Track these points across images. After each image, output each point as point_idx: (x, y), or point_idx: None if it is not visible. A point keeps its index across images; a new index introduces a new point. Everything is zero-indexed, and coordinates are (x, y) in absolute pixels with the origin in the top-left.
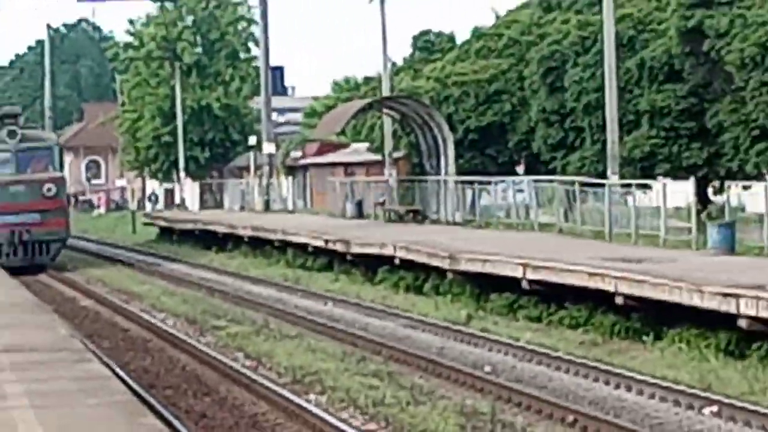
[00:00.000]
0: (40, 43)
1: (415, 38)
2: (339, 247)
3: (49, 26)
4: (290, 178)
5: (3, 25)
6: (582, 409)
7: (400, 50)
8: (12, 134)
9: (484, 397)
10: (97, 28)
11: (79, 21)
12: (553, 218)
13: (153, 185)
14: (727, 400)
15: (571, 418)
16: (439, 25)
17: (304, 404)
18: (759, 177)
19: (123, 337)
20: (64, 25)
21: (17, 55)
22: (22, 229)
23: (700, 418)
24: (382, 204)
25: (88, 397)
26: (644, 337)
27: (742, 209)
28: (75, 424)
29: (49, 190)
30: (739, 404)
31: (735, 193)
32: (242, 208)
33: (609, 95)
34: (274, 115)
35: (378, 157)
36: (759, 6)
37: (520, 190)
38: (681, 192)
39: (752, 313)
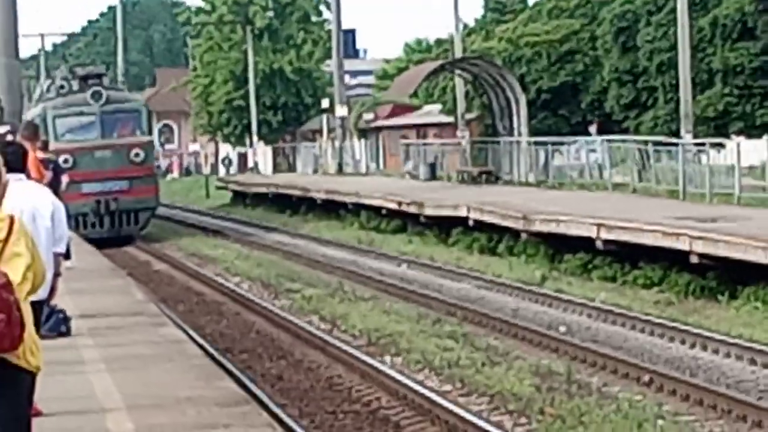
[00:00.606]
0: (112, 9)
1: (487, 0)
2: (412, 209)
3: None
4: (363, 140)
5: None
6: (658, 368)
7: (472, 11)
8: (97, 96)
9: (559, 358)
10: None
11: None
12: (626, 178)
13: (226, 149)
14: None
15: (647, 377)
16: None
17: (380, 366)
18: None
19: (198, 301)
20: None
21: (89, 21)
22: (108, 198)
23: None
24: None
25: (164, 362)
26: (719, 296)
27: None
28: (152, 388)
29: (136, 155)
30: None
31: None
32: (315, 171)
33: (682, 54)
34: (347, 78)
35: (450, 118)
36: None
37: (593, 150)
38: (755, 150)
39: None
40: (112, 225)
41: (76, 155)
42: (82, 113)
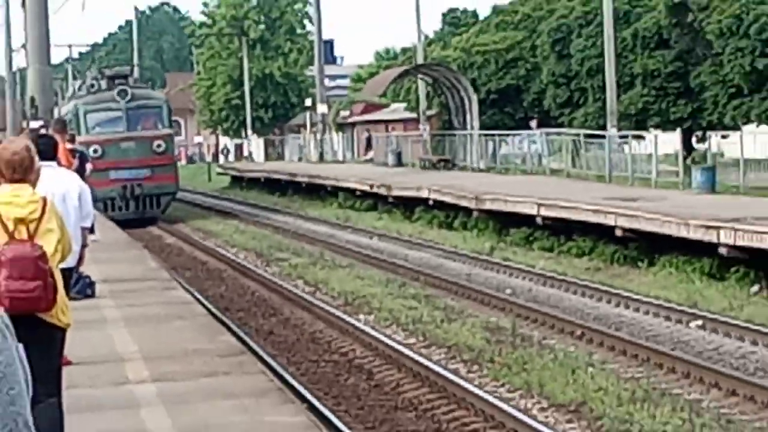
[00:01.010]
0: (128, 22)
1: (444, 15)
2: (382, 191)
3: (136, 9)
4: (340, 133)
5: (98, 8)
6: (588, 324)
7: (432, 25)
8: (123, 93)
9: (505, 315)
10: (176, 10)
11: (162, 3)
12: (561, 165)
13: (225, 141)
14: (710, 316)
15: (579, 332)
16: (465, 3)
17: (355, 323)
18: (735, 128)
19: (202, 269)
20: (149, 8)
21: (110, 34)
22: (134, 184)
23: (687, 331)
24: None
25: (174, 319)
26: (639, 264)
27: (721, 155)
28: (164, 341)
29: (158, 146)
30: (721, 319)
31: (715, 141)
32: (300, 159)
33: (608, 60)
34: (326, 81)
35: (414, 115)
36: None
37: (534, 142)
38: (669, 141)
39: (730, 242)
40: (137, 208)
41: (104, 146)
42: (109, 109)
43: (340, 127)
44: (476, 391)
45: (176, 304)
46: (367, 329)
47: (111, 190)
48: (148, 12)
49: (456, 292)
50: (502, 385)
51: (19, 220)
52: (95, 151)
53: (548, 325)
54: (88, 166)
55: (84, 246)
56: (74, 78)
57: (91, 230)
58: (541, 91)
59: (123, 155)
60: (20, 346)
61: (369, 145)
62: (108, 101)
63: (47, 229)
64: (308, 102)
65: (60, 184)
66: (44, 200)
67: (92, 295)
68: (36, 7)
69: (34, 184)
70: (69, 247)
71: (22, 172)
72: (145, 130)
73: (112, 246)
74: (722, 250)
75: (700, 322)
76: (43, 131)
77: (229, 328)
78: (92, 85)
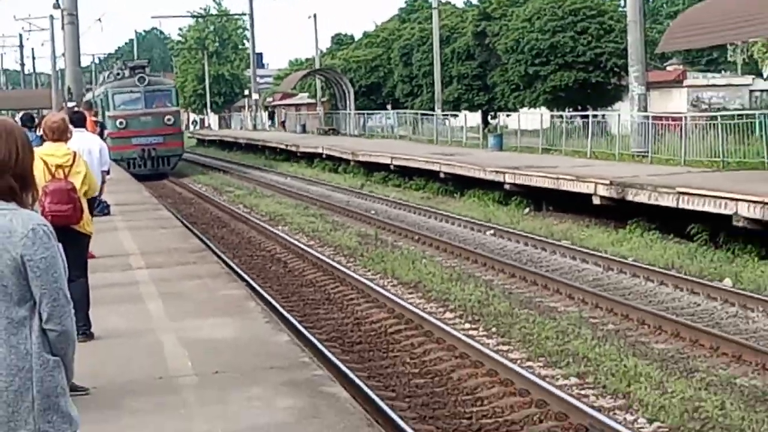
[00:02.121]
0: (131, 39)
1: (333, 37)
2: (293, 148)
3: (136, 31)
4: (266, 112)
5: (111, 29)
6: (423, 232)
7: (325, 44)
8: (141, 79)
9: (371, 227)
10: (162, 32)
11: (152, 28)
12: (406, 132)
13: (193, 116)
14: (498, 227)
15: (417, 237)
16: (346, 30)
17: (276, 231)
18: (514, 110)
19: (178, 198)
20: (144, 31)
21: (119, 47)
22: (150, 148)
23: (484, 237)
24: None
25: (160, 229)
26: (454, 195)
27: (506, 127)
28: (153, 241)
29: (169, 119)
30: (505, 229)
31: (502, 119)
32: (241, 128)
33: (436, 67)
34: (258, 79)
35: (313, 100)
36: (516, 18)
37: (389, 118)
38: (473, 118)
39: (511, 181)
40: (153, 166)
41: (128, 119)
42: (131, 91)
43: (266, 108)
44: (352, 274)
45: (161, 219)
46: (283, 235)
47: (133, 152)
48: (143, 33)
49: (339, 212)
50: (369, 271)
51: (58, 166)
52: (120, 123)
53: (397, 233)
54: (106, 132)
55: (103, 182)
56: (99, 72)
57: (108, 172)
58: (393, 86)
59: (142, 126)
60: (60, 245)
61: (285, 120)
62: (130, 85)
63: (76, 172)
64: (246, 92)
65: (87, 143)
66: (74, 153)
67: (108, 214)
68: (71, 28)
69: (67, 142)
70: (93, 185)
71: (59, 134)
72: (158, 108)
73: (121, 182)
74: (506, 186)
75: (492, 231)
76: (76, 109)
77: (195, 235)
78: (118, 74)
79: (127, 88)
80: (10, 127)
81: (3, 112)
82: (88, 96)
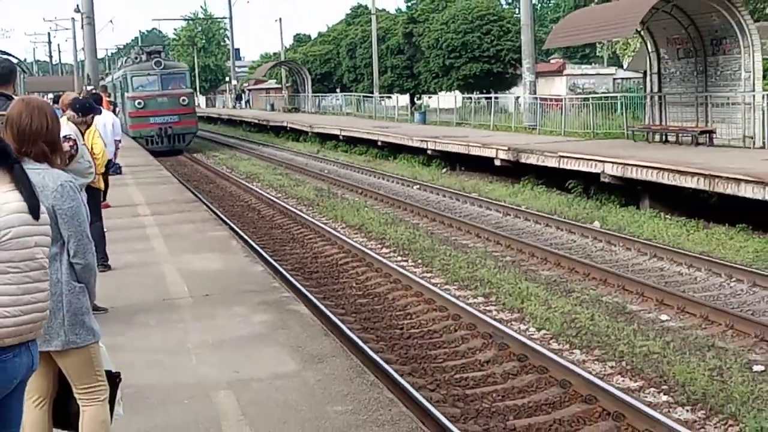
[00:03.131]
0: (135, 38)
1: (294, 36)
2: (264, 123)
3: (139, 30)
4: (244, 94)
5: (121, 28)
6: (364, 186)
7: (289, 41)
8: (158, 63)
9: (325, 183)
10: (161, 32)
11: (153, 28)
12: (351, 110)
13: None
14: (423, 183)
15: (360, 190)
16: (304, 30)
17: (252, 186)
18: (435, 93)
19: (174, 161)
20: (147, 30)
21: (126, 43)
22: (166, 126)
23: (412, 191)
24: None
25: (162, 184)
26: (389, 158)
27: (428, 106)
28: (156, 195)
29: (183, 100)
30: (429, 184)
31: (426, 99)
32: (223, 107)
33: (374, 60)
34: (236, 69)
35: (279, 85)
36: (436, 22)
37: (338, 99)
38: (404, 99)
39: (433, 148)
40: (169, 143)
41: (145, 100)
42: (149, 74)
43: (243, 91)
44: (310, 219)
45: (162, 178)
46: (257, 190)
47: (151, 131)
48: (146, 32)
49: (301, 172)
50: (323, 217)
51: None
52: (139, 103)
53: (345, 187)
54: (117, 110)
55: (117, 149)
56: (112, 62)
57: (119, 141)
58: (341, 75)
59: (159, 107)
60: (84, 196)
61: (248, 99)
62: (148, 69)
63: (94, 139)
64: (227, 79)
65: (102, 118)
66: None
67: (120, 173)
68: (89, 27)
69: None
70: (105, 152)
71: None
72: (173, 89)
73: (131, 150)
74: (428, 152)
75: (418, 186)
76: (93, 92)
77: (189, 189)
78: (136, 58)
79: (144, 72)
80: (40, 103)
81: (35, 93)
82: (104, 81)
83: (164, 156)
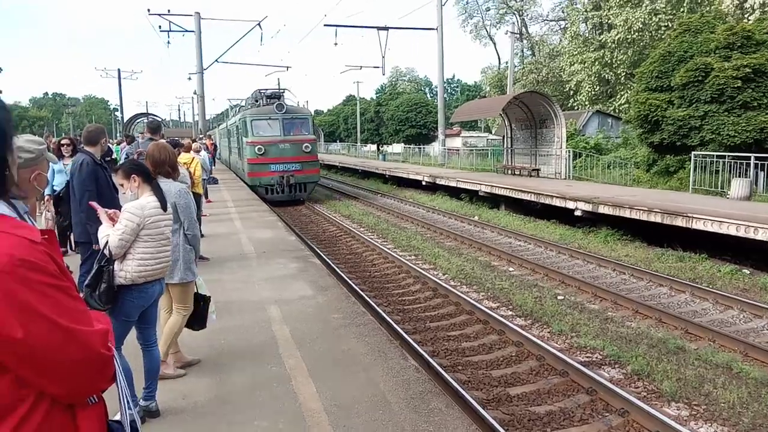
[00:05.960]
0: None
1: (315, 111)
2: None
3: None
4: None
5: (217, 101)
6: (351, 194)
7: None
8: (280, 107)
9: (328, 191)
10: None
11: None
12: (345, 152)
13: None
14: (384, 194)
15: (350, 197)
16: (319, 107)
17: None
18: (391, 144)
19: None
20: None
21: (219, 113)
22: (288, 175)
23: (377, 197)
24: None
25: (241, 189)
26: (364, 179)
27: (387, 151)
28: (238, 195)
29: (306, 147)
30: (387, 194)
31: (386, 147)
32: None
33: (358, 125)
34: None
35: None
36: (392, 106)
37: (338, 146)
38: (373, 147)
39: (389, 174)
40: (290, 192)
41: (266, 146)
42: (270, 118)
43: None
44: (323, 211)
45: (241, 187)
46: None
47: (271, 179)
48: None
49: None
50: (326, 213)
51: (184, 163)
52: (259, 149)
53: (341, 192)
54: (217, 150)
55: (210, 171)
56: (218, 117)
57: (210, 172)
58: (340, 133)
59: (280, 153)
60: (192, 197)
61: None
62: (268, 113)
63: (194, 167)
64: None
65: (202, 155)
66: (193, 158)
67: (216, 183)
68: (201, 100)
69: (189, 152)
70: (199, 172)
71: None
72: (296, 135)
73: (225, 172)
74: (386, 176)
75: (381, 195)
76: (201, 137)
77: (254, 192)
78: (256, 101)
79: (265, 116)
80: (164, 144)
81: (168, 139)
82: (215, 129)
83: (283, 206)
